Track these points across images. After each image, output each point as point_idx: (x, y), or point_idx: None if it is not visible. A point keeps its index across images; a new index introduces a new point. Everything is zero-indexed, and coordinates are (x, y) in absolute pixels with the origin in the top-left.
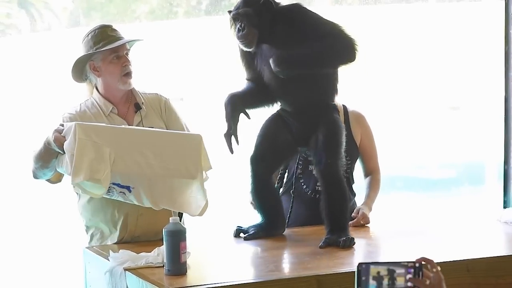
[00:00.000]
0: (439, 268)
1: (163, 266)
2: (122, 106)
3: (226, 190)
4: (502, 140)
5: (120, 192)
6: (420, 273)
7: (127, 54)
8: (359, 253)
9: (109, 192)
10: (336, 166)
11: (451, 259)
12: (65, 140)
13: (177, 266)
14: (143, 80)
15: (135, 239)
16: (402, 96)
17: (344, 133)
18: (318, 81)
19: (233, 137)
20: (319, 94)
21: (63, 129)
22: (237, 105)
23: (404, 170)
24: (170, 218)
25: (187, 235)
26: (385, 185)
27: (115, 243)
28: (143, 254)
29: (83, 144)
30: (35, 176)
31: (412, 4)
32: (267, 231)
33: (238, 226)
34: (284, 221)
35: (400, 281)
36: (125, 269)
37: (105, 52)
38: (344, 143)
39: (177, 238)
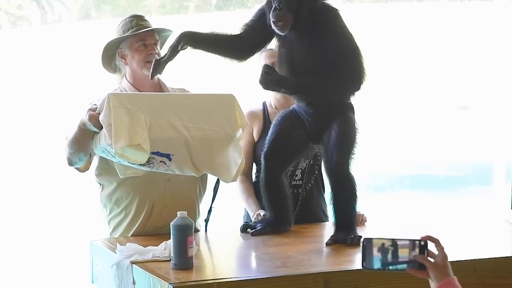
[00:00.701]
0: (444, 247)
1: (170, 260)
2: None
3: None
4: (511, 140)
5: (161, 161)
6: (425, 251)
7: (155, 44)
8: None
9: (150, 163)
10: (346, 165)
11: (458, 259)
12: (98, 118)
13: (184, 260)
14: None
15: (157, 230)
16: (412, 95)
17: (357, 132)
18: None
19: (161, 65)
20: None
21: (96, 107)
22: (186, 40)
23: (412, 169)
24: (178, 212)
25: (193, 229)
26: (393, 184)
27: (134, 235)
28: (150, 247)
29: (118, 112)
30: (70, 163)
31: (423, 2)
32: (274, 227)
33: (245, 222)
34: (291, 217)
35: (403, 253)
36: (132, 263)
37: (132, 40)
38: (356, 143)
39: (184, 233)
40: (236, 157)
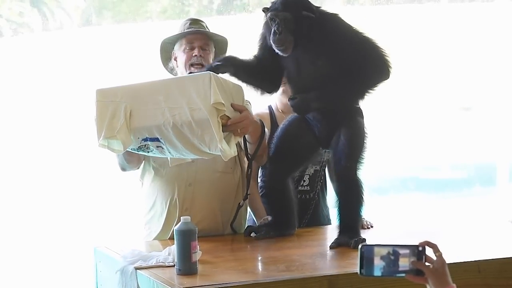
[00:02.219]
0: (442, 253)
1: (174, 266)
2: None
3: None
4: None
5: (157, 147)
6: (423, 257)
7: (203, 47)
8: None
9: (146, 149)
10: (354, 169)
11: (462, 260)
12: None
13: (188, 265)
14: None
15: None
16: (414, 97)
17: (366, 137)
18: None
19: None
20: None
21: None
22: (228, 65)
23: (416, 171)
24: (182, 218)
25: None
26: (397, 186)
27: (160, 238)
28: (154, 253)
29: (102, 105)
30: (123, 169)
31: (424, 4)
32: (278, 230)
33: (249, 225)
34: (295, 221)
35: (403, 262)
36: (136, 268)
37: (181, 42)
38: (365, 147)
39: (188, 238)
40: (218, 134)
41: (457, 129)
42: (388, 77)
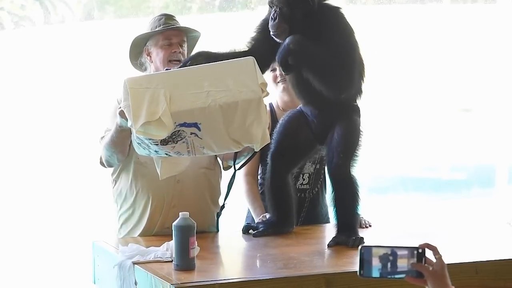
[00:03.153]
0: (442, 255)
1: (172, 261)
2: None
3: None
4: None
5: (192, 133)
6: (423, 259)
7: (181, 44)
8: None
9: (182, 138)
10: (348, 166)
11: (460, 261)
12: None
13: (185, 261)
14: None
15: (164, 231)
16: (414, 97)
17: (360, 135)
18: None
19: None
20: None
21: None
22: (199, 57)
23: (415, 171)
24: (180, 213)
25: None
26: (396, 186)
27: (141, 235)
28: (152, 248)
29: (136, 92)
30: (108, 164)
31: (426, 4)
32: (277, 228)
33: (247, 223)
34: (293, 219)
35: (401, 261)
36: (134, 263)
37: (158, 37)
38: (359, 145)
39: (186, 234)
40: (265, 116)
41: (457, 130)
42: (333, 97)
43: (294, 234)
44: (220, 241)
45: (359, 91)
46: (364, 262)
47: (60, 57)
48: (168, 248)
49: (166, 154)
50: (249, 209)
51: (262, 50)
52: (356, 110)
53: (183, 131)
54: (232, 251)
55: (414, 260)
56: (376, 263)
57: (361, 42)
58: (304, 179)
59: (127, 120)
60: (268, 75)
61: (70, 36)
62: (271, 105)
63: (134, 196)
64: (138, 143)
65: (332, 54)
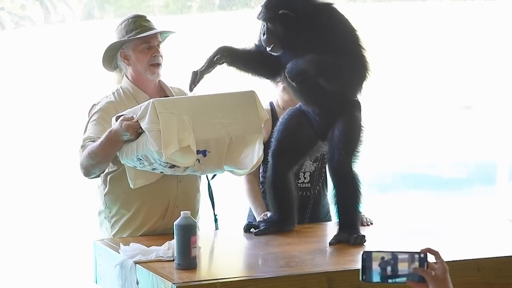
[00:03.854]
0: (443, 260)
1: (173, 260)
2: (154, 97)
3: (237, 184)
4: None
5: (196, 159)
6: (425, 264)
7: (158, 45)
8: None
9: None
10: (348, 163)
11: (462, 258)
12: (138, 126)
13: (187, 260)
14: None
15: (167, 231)
16: (415, 95)
17: (362, 131)
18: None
19: (199, 77)
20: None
21: (132, 116)
22: (224, 54)
23: (416, 168)
24: (182, 212)
25: (197, 229)
26: (397, 183)
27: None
28: (153, 247)
29: (165, 117)
30: (88, 174)
31: (426, 2)
32: (278, 226)
33: (248, 221)
34: (295, 217)
35: (403, 266)
36: (136, 263)
37: (136, 41)
38: (360, 141)
39: (188, 233)
40: (259, 150)
41: (457, 127)
42: (364, 80)
43: (295, 232)
44: (221, 240)
45: (359, 88)
46: (366, 267)
47: (61, 56)
48: (169, 247)
49: (162, 172)
50: (250, 208)
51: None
52: (357, 106)
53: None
54: (234, 250)
55: (416, 264)
56: (377, 268)
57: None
58: (305, 178)
59: (132, 135)
60: None
61: (71, 35)
62: (271, 104)
63: (135, 201)
64: (139, 158)
65: (339, 54)
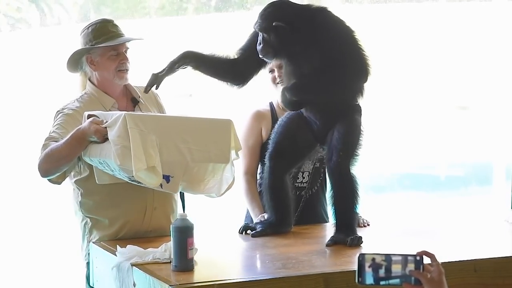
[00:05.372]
0: (439, 262)
1: (170, 262)
2: (120, 100)
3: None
4: (511, 140)
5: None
6: (421, 266)
7: (126, 51)
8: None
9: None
10: (346, 165)
11: (458, 259)
12: (106, 131)
13: (184, 262)
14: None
15: (148, 233)
16: (411, 95)
17: (361, 134)
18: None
19: (158, 80)
20: (342, 94)
21: (101, 120)
22: (187, 60)
23: (412, 169)
24: (178, 214)
25: (194, 231)
26: (393, 184)
27: (120, 238)
28: (150, 249)
29: (135, 133)
30: (47, 174)
31: (422, 3)
32: (275, 228)
33: (245, 223)
34: (291, 219)
35: (396, 268)
36: (132, 265)
37: (104, 48)
38: (359, 144)
39: (185, 234)
40: (229, 177)
41: (454, 128)
42: (366, 80)
43: (292, 234)
44: (218, 241)
45: (360, 91)
46: (362, 270)
47: (57, 59)
48: (166, 249)
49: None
50: (247, 210)
51: (252, 62)
52: (358, 110)
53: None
54: (231, 251)
55: (412, 267)
56: (373, 270)
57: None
58: (303, 177)
59: (99, 139)
60: (267, 76)
61: (67, 38)
62: (271, 104)
63: (110, 202)
64: (100, 162)
65: (333, 64)
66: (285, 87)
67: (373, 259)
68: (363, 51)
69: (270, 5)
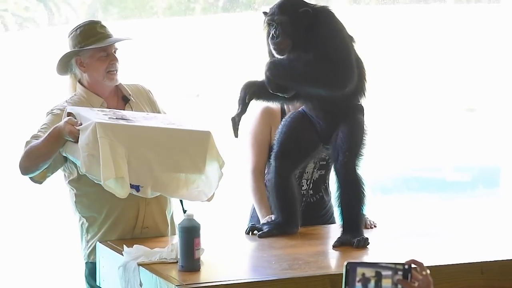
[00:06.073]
0: (428, 272)
1: (177, 262)
2: (111, 100)
3: (239, 186)
4: None
5: (128, 192)
6: (409, 275)
7: (115, 52)
8: (373, 253)
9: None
10: (352, 165)
11: (465, 261)
12: (78, 134)
13: (190, 262)
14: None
15: (145, 231)
16: (419, 97)
17: (365, 133)
18: None
19: (238, 120)
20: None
21: (76, 121)
22: (250, 92)
23: (419, 171)
24: (185, 214)
25: (201, 231)
26: (400, 186)
27: (121, 238)
28: (157, 249)
29: (105, 143)
30: (27, 171)
31: (429, 4)
32: (281, 229)
33: (252, 224)
34: (298, 219)
35: (386, 283)
36: (139, 264)
37: (93, 50)
38: (364, 144)
39: (191, 234)
40: (207, 192)
41: (461, 130)
42: (340, 93)
43: (299, 234)
44: (225, 242)
45: (362, 91)
46: (350, 279)
47: None
48: (173, 249)
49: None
50: (253, 210)
51: None
52: (360, 110)
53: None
54: (237, 252)
55: (400, 276)
56: (358, 284)
57: (360, 40)
58: (309, 186)
59: (73, 139)
60: None
61: None
62: (282, 104)
63: (106, 203)
64: (74, 160)
65: (317, 57)
66: (266, 62)
67: (363, 274)
68: (350, 58)
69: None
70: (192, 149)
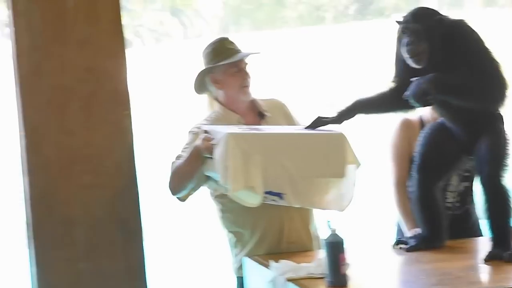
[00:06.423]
0: None
1: (324, 277)
2: (247, 116)
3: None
4: None
5: (272, 200)
6: None
7: (245, 67)
8: None
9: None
10: (499, 177)
11: None
12: (213, 149)
13: (338, 277)
14: (293, 86)
15: (291, 246)
16: None
17: (507, 144)
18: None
19: (319, 123)
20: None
21: (211, 137)
22: (354, 111)
23: None
24: (329, 229)
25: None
26: None
27: (270, 253)
28: (303, 264)
29: (235, 153)
30: (175, 192)
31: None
32: (428, 243)
33: (398, 237)
34: (444, 233)
35: None
36: (288, 279)
37: (226, 66)
38: (507, 154)
39: (336, 250)
40: (347, 194)
41: None
42: (502, 104)
43: (447, 248)
44: (370, 256)
45: (502, 99)
46: None
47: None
48: (319, 264)
49: None
50: (398, 224)
51: (407, 82)
52: (500, 119)
53: (265, 197)
54: (384, 266)
55: None
56: None
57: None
58: (454, 198)
59: (209, 154)
60: None
61: None
62: (421, 117)
63: (250, 219)
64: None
65: (471, 71)
66: (424, 78)
67: None
68: (499, 68)
69: (419, 8)
70: (329, 152)
